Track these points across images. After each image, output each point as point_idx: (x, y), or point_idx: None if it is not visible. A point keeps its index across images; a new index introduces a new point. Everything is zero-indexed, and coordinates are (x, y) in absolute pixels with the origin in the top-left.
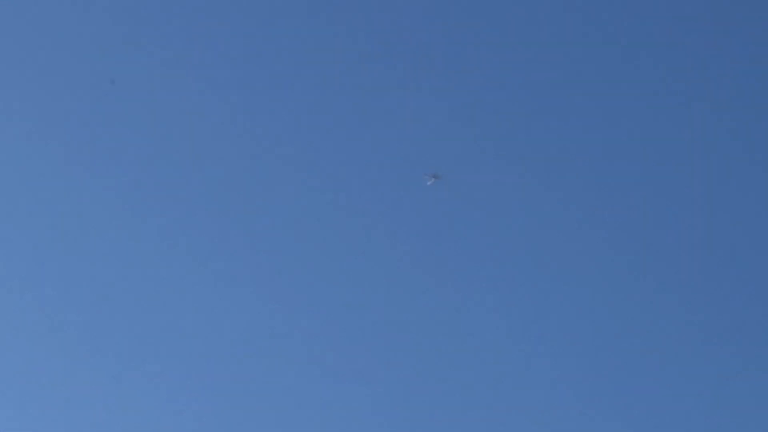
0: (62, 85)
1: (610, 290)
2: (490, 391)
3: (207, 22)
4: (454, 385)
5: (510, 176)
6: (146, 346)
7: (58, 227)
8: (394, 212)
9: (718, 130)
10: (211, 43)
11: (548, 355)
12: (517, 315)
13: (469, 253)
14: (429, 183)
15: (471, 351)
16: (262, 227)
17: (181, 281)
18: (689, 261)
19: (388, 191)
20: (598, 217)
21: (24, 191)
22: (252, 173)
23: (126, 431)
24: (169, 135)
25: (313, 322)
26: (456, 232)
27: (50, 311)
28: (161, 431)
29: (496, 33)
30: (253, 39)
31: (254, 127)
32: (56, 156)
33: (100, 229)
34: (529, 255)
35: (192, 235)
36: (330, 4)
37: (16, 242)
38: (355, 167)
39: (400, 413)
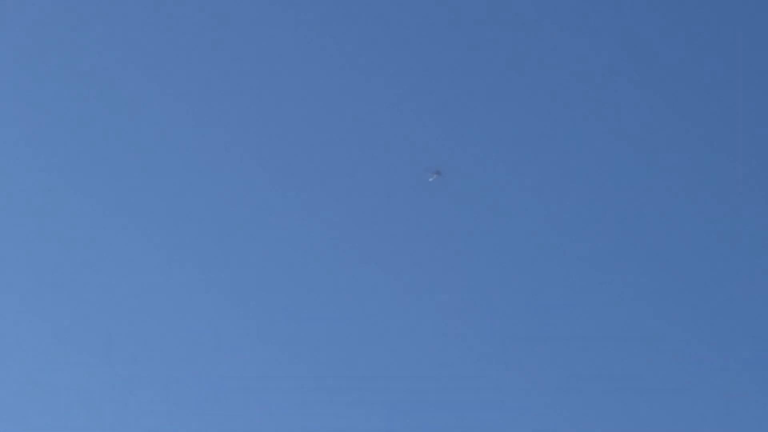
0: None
1: (614, 288)
2: (490, 391)
3: (208, 22)
4: (454, 383)
5: (513, 173)
6: (145, 348)
7: (58, 227)
8: (396, 208)
9: (717, 130)
10: (214, 42)
11: (549, 355)
12: (518, 312)
13: (473, 249)
14: (431, 179)
15: (471, 350)
16: (262, 227)
17: (181, 282)
18: (690, 259)
19: (391, 187)
20: (601, 214)
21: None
22: (255, 173)
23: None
24: (170, 134)
25: (313, 318)
26: (458, 228)
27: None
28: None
29: (500, 30)
30: (256, 38)
31: (258, 127)
32: (56, 156)
33: (100, 229)
34: (531, 252)
35: (193, 235)
36: (335, 3)
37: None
38: (358, 164)
39: (399, 414)
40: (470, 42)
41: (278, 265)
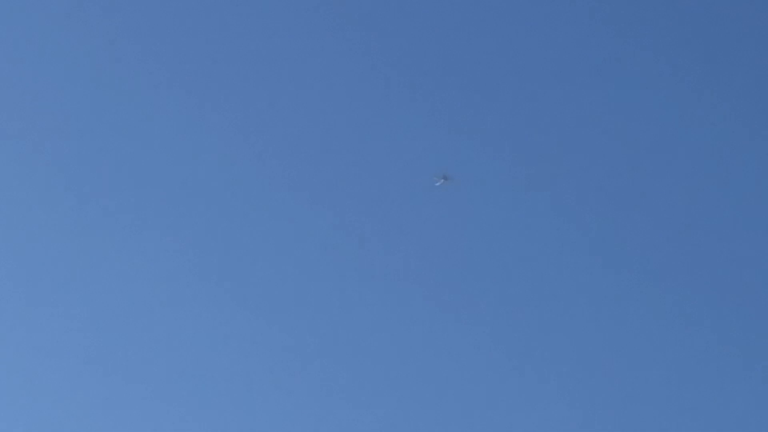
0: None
1: (618, 289)
2: (492, 392)
3: (209, 23)
4: (458, 382)
5: (520, 177)
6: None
7: (59, 227)
8: (403, 212)
9: (718, 130)
10: (218, 42)
11: (551, 354)
12: (522, 312)
13: (480, 252)
14: (438, 184)
15: (473, 350)
16: (265, 227)
17: (181, 281)
18: (692, 257)
19: (398, 192)
20: (610, 220)
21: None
22: (262, 177)
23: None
24: (173, 133)
25: (316, 319)
26: (465, 232)
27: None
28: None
29: (508, 34)
30: (260, 38)
31: (266, 132)
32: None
33: (100, 229)
34: (536, 255)
35: (194, 234)
36: (341, 5)
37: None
38: (366, 168)
39: (401, 414)
40: (480, 47)
41: (284, 266)
